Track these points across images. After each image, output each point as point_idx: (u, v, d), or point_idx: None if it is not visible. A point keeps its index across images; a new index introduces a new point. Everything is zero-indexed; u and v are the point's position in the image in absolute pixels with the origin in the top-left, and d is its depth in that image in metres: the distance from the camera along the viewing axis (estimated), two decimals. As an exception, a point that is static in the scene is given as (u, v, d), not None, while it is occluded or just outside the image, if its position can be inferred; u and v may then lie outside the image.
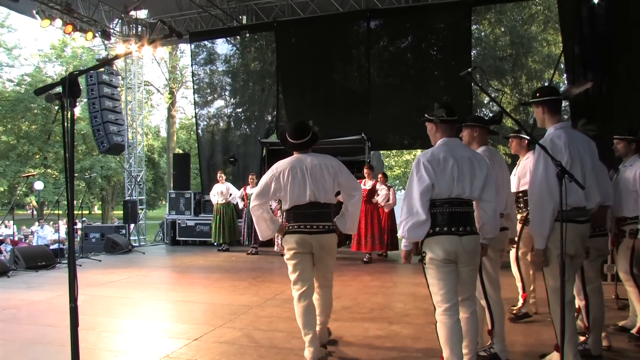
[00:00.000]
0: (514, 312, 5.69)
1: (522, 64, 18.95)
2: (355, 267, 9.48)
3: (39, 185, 16.19)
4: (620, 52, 10.83)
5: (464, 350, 3.60)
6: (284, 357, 4.51)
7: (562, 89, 3.80)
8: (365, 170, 10.53)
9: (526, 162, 5.44)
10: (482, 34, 19.09)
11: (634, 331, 4.91)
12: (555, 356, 3.77)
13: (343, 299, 6.68)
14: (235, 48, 16.17)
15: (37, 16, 12.40)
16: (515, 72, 18.90)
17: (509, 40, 19.16)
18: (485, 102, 17.62)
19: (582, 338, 4.31)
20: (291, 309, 4.99)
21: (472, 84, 12.05)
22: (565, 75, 13.03)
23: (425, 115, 3.79)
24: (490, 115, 16.54)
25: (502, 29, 19.43)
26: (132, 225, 14.74)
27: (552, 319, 3.71)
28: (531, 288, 5.82)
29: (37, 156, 31.36)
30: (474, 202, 3.69)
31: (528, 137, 5.47)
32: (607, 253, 4.52)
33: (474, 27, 15.13)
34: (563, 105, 15.87)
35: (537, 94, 3.86)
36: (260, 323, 5.34)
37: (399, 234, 3.62)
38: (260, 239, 5.14)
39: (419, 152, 29.43)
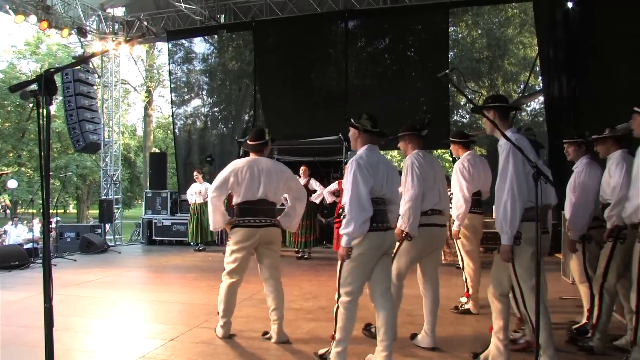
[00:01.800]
0: (459, 307, 6.02)
1: (499, 66, 19.15)
2: (331, 267, 9.48)
3: (12, 183, 15.99)
4: (592, 55, 11.03)
5: (380, 339, 3.88)
6: (261, 357, 4.52)
7: (514, 99, 3.94)
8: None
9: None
10: (460, 36, 19.23)
11: (575, 327, 5.08)
12: (493, 352, 3.93)
13: (320, 299, 6.70)
14: (212, 47, 16.13)
15: (10, 12, 12.22)
16: (491, 74, 19.10)
17: (486, 43, 19.35)
18: (462, 103, 17.77)
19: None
20: (267, 309, 5.00)
21: (450, 85, 12.17)
22: (540, 77, 13.21)
23: (352, 120, 4.07)
24: (466, 117, 16.67)
25: (479, 32, 19.61)
26: (107, 225, 14.60)
27: (528, 317, 3.82)
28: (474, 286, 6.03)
29: (11, 154, 30.85)
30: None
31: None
32: (546, 252, 4.55)
33: (451, 29, 15.23)
34: (539, 108, 16.12)
35: (489, 101, 4.00)
36: (236, 323, 5.33)
37: (346, 230, 3.72)
38: (212, 229, 5.56)
39: (395, 152, 29.73)
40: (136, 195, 37.50)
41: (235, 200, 4.89)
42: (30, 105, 2.31)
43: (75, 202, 38.74)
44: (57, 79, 2.34)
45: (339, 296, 3.89)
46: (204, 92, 16.39)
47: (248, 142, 5.03)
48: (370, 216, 3.73)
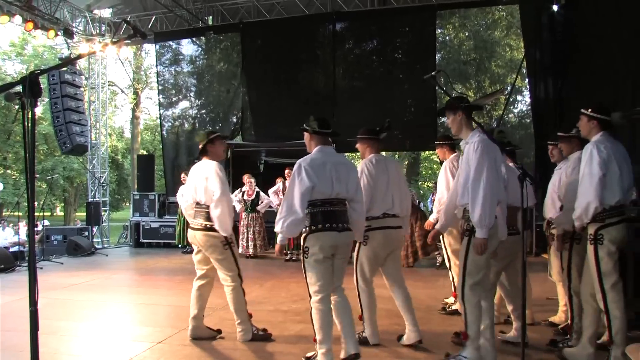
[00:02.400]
0: (446, 307, 6.10)
1: (486, 68, 19.27)
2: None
3: (-2, 186, 15.86)
4: (577, 57, 11.13)
5: (345, 332, 4.07)
6: (249, 359, 4.51)
7: (475, 99, 4.04)
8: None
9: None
10: (447, 38, 19.35)
11: (561, 326, 5.19)
12: (469, 351, 3.99)
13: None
14: (200, 49, 16.09)
15: (-5, 13, 12.12)
16: (479, 76, 19.22)
17: (473, 45, 19.47)
18: (450, 105, 17.84)
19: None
20: (256, 312, 5.01)
21: (436, 88, 12.21)
22: (527, 79, 13.30)
23: (304, 125, 4.25)
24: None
25: (466, 34, 19.73)
26: (95, 227, 14.52)
27: (464, 309, 4.00)
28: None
29: (-4, 156, 30.64)
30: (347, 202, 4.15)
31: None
32: (515, 252, 4.67)
33: (438, 31, 15.32)
34: (526, 110, 16.18)
35: (457, 103, 4.08)
36: (224, 325, 5.32)
37: (277, 229, 3.94)
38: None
39: (383, 154, 29.65)
40: (124, 198, 37.29)
41: None
42: (16, 107, 2.30)
43: (62, 204, 38.47)
44: (43, 80, 2.33)
45: (310, 298, 4.04)
46: (192, 94, 16.34)
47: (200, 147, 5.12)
48: (300, 219, 3.87)
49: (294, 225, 3.89)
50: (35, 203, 2.47)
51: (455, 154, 5.90)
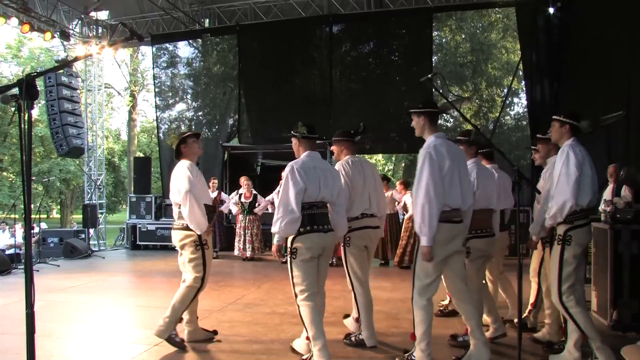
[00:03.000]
0: (441, 308, 6.10)
1: (482, 70, 19.28)
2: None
3: (-6, 188, 15.81)
4: (573, 59, 11.17)
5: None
6: (245, 361, 4.52)
7: (439, 103, 4.17)
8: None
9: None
10: (443, 40, 19.34)
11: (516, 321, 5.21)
12: (417, 351, 4.07)
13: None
14: (197, 51, 16.08)
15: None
16: (475, 78, 19.21)
17: (469, 47, 19.48)
18: (446, 107, 17.86)
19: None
20: (253, 314, 5.01)
21: (433, 90, 12.22)
22: (523, 82, 13.35)
23: (292, 132, 4.45)
24: (450, 121, 16.77)
25: (463, 36, 19.74)
26: (91, 230, 14.49)
27: (413, 312, 4.06)
28: None
29: (-7, 159, 30.54)
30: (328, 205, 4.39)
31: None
32: (489, 254, 4.84)
33: (435, 33, 15.31)
34: (522, 112, 16.23)
35: (420, 105, 4.18)
36: (221, 328, 5.32)
37: (274, 229, 4.14)
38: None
39: (380, 156, 29.78)
40: (120, 200, 37.21)
41: None
42: (12, 109, 2.30)
43: (58, 207, 38.37)
44: (40, 82, 2.33)
45: (296, 297, 4.22)
46: (189, 96, 16.32)
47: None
48: (296, 217, 4.08)
49: (291, 224, 4.08)
50: (32, 205, 2.46)
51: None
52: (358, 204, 4.80)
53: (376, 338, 4.86)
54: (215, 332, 5.16)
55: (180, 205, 4.79)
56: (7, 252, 10.99)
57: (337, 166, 4.88)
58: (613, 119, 4.51)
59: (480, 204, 4.57)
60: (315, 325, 4.10)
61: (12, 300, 6.96)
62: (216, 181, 11.77)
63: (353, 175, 4.80)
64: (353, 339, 4.92)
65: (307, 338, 4.17)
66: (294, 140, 4.46)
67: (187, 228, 4.76)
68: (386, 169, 31.38)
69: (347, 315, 5.35)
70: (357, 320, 4.92)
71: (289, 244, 4.23)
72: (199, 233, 4.74)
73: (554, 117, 4.32)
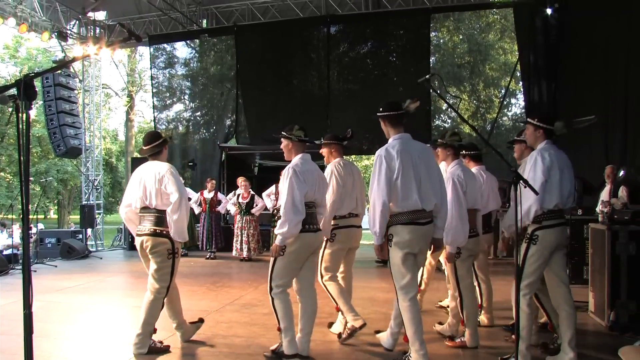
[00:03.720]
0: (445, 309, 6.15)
1: (480, 71, 19.25)
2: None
3: (-9, 189, 15.79)
4: (571, 60, 11.20)
5: (300, 327, 4.41)
6: (243, 362, 4.52)
7: (405, 104, 4.27)
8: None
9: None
10: (441, 41, 19.31)
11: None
12: (413, 355, 4.13)
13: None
14: (194, 52, 16.08)
15: (-11, 15, 12.10)
16: (473, 79, 19.19)
17: (467, 48, 19.45)
18: (444, 108, 17.88)
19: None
20: (250, 314, 5.01)
21: (431, 91, 12.25)
22: (521, 82, 13.37)
23: (283, 133, 4.50)
24: (448, 122, 16.77)
25: (461, 37, 19.71)
26: (89, 230, 14.47)
27: (402, 316, 4.13)
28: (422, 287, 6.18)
29: (-10, 159, 30.48)
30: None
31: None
32: (476, 253, 5.02)
33: (432, 34, 15.31)
34: (520, 113, 16.23)
35: (381, 109, 4.32)
36: (219, 328, 5.32)
37: (281, 230, 4.15)
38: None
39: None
40: (118, 201, 37.11)
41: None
42: (9, 109, 2.29)
43: (56, 207, 38.31)
44: (37, 83, 2.33)
45: (271, 289, 4.34)
46: (186, 97, 16.34)
47: (143, 148, 4.90)
48: (302, 218, 4.19)
49: (298, 225, 4.18)
50: (29, 206, 2.45)
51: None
52: (347, 204, 5.05)
53: (362, 317, 4.95)
54: (201, 320, 5.25)
55: (158, 210, 4.62)
56: (5, 252, 10.97)
57: (329, 167, 5.08)
58: (585, 123, 4.62)
59: (467, 204, 4.73)
60: (288, 318, 4.32)
61: (10, 300, 6.95)
62: (214, 181, 11.77)
63: (344, 176, 5.01)
64: (344, 334, 5.01)
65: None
66: (286, 142, 4.52)
67: (162, 235, 4.60)
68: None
69: (331, 324, 5.43)
70: (337, 309, 5.10)
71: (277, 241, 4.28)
72: (180, 241, 4.70)
73: (528, 120, 4.43)
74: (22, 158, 2.31)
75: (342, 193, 4.97)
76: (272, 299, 4.34)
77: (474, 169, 5.50)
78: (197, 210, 11.81)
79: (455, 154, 5.04)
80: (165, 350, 4.79)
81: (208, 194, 11.66)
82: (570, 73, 11.25)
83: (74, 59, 7.58)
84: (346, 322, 5.00)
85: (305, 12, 13.38)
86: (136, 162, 15.73)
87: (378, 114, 4.35)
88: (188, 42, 15.67)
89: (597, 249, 5.76)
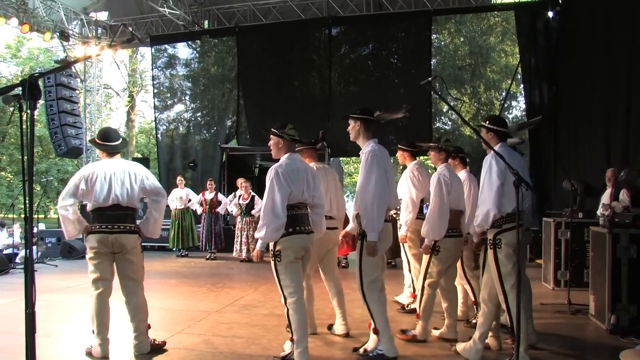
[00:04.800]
0: (406, 305, 6.44)
1: (481, 73, 19.26)
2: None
3: (-8, 188, 15.77)
4: (572, 63, 11.20)
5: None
6: (243, 363, 4.52)
7: (376, 113, 4.56)
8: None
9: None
10: (442, 43, 19.32)
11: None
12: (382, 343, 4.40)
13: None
14: (195, 52, 16.09)
15: (-9, 15, 12.13)
16: (474, 81, 19.20)
17: (468, 50, 19.45)
18: (445, 110, 17.89)
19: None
20: (251, 315, 5.01)
21: (432, 93, 12.27)
22: (522, 85, 13.38)
23: (274, 130, 4.43)
24: (448, 124, 16.80)
25: (462, 39, 19.72)
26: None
27: (368, 307, 4.40)
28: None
29: (-10, 158, 30.48)
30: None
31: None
32: (458, 253, 5.12)
33: (434, 36, 15.32)
34: (521, 115, 16.22)
35: (358, 112, 4.51)
36: (219, 329, 5.32)
37: (259, 234, 4.14)
38: (67, 238, 5.18)
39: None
40: (118, 201, 37.14)
41: (88, 208, 4.68)
42: (11, 109, 2.30)
43: (56, 207, 38.28)
44: (39, 83, 2.33)
45: (285, 299, 4.26)
46: (187, 98, 16.35)
47: (99, 142, 4.80)
48: (283, 223, 4.10)
49: (277, 229, 4.10)
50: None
51: (415, 161, 5.99)
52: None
53: (316, 326, 5.28)
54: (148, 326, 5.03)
55: (132, 208, 4.71)
56: (5, 252, 10.97)
57: None
58: (532, 125, 4.75)
59: (451, 204, 4.88)
60: (302, 330, 4.21)
61: (10, 300, 6.95)
62: (213, 182, 11.78)
63: (327, 177, 5.17)
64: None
65: (291, 339, 4.28)
66: (276, 140, 4.43)
67: (136, 232, 4.72)
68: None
69: (330, 326, 5.46)
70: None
71: (271, 247, 4.24)
72: (155, 238, 4.93)
73: (481, 123, 4.52)
74: (25, 157, 2.31)
75: None
76: (287, 309, 4.25)
77: (462, 172, 5.72)
78: (199, 211, 11.84)
79: (446, 159, 5.27)
80: (162, 347, 4.84)
81: (209, 195, 11.67)
82: (572, 76, 11.25)
83: (77, 60, 7.59)
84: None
85: (307, 14, 13.40)
86: (137, 162, 15.81)
87: (354, 115, 4.50)
88: (189, 42, 15.69)
89: (598, 252, 5.75)
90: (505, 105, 17.10)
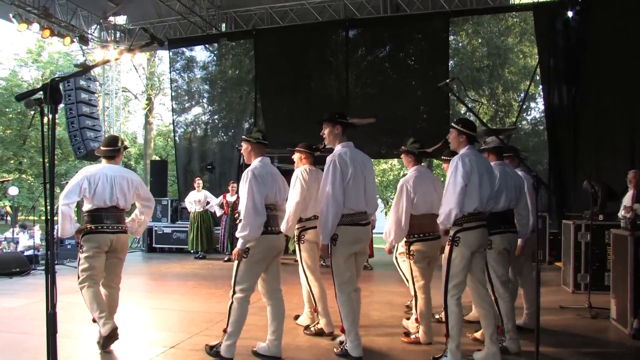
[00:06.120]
0: (407, 304, 6.52)
1: (499, 74, 19.20)
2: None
3: (13, 190, 15.94)
4: (591, 63, 11.07)
5: (272, 330, 4.58)
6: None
7: (349, 119, 4.83)
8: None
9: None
10: (460, 44, 19.29)
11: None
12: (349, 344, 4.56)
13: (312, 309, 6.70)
14: (213, 55, 16.17)
15: (13, 20, 12.28)
16: (492, 82, 19.14)
17: (486, 52, 19.40)
18: (463, 112, 17.82)
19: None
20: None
21: (450, 94, 12.21)
22: (541, 86, 13.27)
23: (243, 136, 4.68)
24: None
25: (480, 40, 19.67)
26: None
27: (340, 309, 4.53)
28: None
29: (12, 161, 30.81)
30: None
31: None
32: (433, 255, 5.15)
33: (451, 37, 15.30)
34: (539, 117, 16.11)
35: (336, 116, 4.71)
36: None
37: (242, 234, 4.24)
38: (60, 236, 5.45)
39: (395, 161, 29.68)
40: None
41: (85, 208, 4.99)
42: (32, 112, 2.33)
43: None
44: (60, 87, 2.36)
45: (234, 293, 4.40)
46: (205, 100, 16.42)
47: (101, 148, 5.17)
48: (264, 221, 4.27)
49: (260, 227, 4.26)
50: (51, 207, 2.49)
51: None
52: (312, 207, 5.28)
53: (333, 325, 5.34)
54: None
55: (122, 209, 5.03)
56: (26, 253, 11.09)
57: (296, 172, 5.43)
58: (507, 133, 4.78)
59: (420, 209, 5.03)
60: (237, 325, 4.40)
61: (32, 300, 7.05)
62: (235, 185, 11.83)
63: (309, 181, 5.30)
64: (312, 329, 5.50)
65: (224, 330, 4.44)
66: (246, 145, 4.65)
67: (125, 231, 5.12)
68: (401, 173, 31.29)
69: (297, 316, 5.93)
70: (315, 310, 5.49)
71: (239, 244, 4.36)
72: (137, 237, 5.16)
73: (453, 125, 4.54)
74: (46, 160, 2.34)
75: (307, 197, 5.26)
76: (232, 302, 4.39)
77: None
78: (218, 213, 11.91)
79: (415, 161, 5.34)
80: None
81: (231, 197, 11.72)
82: (592, 76, 11.12)
83: (96, 64, 7.69)
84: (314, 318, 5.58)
85: (324, 16, 13.41)
86: (155, 165, 15.94)
87: (328, 119, 4.73)
88: (207, 45, 15.77)
89: (619, 255, 5.68)
90: (524, 107, 16.98)
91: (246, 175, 4.37)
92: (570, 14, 11.47)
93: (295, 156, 5.75)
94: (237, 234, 4.28)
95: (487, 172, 4.35)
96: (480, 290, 4.41)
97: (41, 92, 2.30)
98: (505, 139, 5.03)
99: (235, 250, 4.35)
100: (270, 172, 4.50)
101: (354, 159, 4.50)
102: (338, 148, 4.60)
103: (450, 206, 4.21)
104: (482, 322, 4.42)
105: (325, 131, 4.73)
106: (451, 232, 4.32)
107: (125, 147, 5.24)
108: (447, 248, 4.33)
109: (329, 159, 4.49)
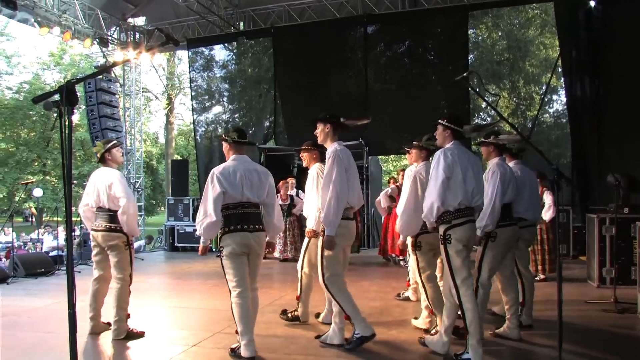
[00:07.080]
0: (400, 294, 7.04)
1: (520, 67, 18.95)
2: (354, 272, 9.44)
3: (37, 192, 16.15)
4: (615, 55, 10.88)
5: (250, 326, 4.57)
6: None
7: (342, 119, 4.95)
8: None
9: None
10: (479, 38, 19.11)
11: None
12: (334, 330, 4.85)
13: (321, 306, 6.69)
14: (232, 54, 16.21)
15: (35, 24, 12.45)
16: (512, 76, 18.91)
17: (506, 45, 19.17)
18: (483, 106, 17.66)
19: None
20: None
21: (469, 89, 12.09)
22: (562, 78, 13.09)
23: (222, 136, 4.78)
24: (487, 120, 16.59)
25: (499, 33, 19.45)
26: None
27: (333, 297, 4.72)
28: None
29: (36, 163, 31.28)
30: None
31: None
32: (438, 247, 4.92)
33: (471, 31, 15.16)
34: (562, 109, 15.91)
35: (327, 116, 4.88)
36: (258, 329, 5.32)
37: (197, 233, 4.48)
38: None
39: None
40: (158, 202, 37.67)
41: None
42: (54, 115, 2.35)
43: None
44: (80, 88, 2.38)
45: (230, 293, 4.51)
46: (225, 99, 16.48)
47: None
48: (214, 221, 4.34)
49: (209, 227, 4.37)
50: (73, 208, 2.51)
51: (423, 162, 5.44)
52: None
53: (309, 316, 5.81)
54: (109, 324, 5.33)
55: (109, 209, 5.17)
56: (51, 253, 11.25)
57: (313, 170, 5.53)
58: (491, 127, 5.14)
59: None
60: (244, 322, 4.41)
61: (57, 300, 7.14)
62: (293, 181, 11.85)
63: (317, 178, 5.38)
64: (289, 314, 5.85)
65: (236, 332, 4.49)
66: (224, 144, 4.73)
67: (116, 230, 5.16)
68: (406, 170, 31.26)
69: (318, 314, 5.95)
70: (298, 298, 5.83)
71: (218, 243, 4.57)
72: (135, 236, 5.30)
73: (439, 121, 4.58)
74: (65, 162, 2.35)
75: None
76: (231, 302, 4.47)
77: (511, 163, 5.58)
78: None
79: (427, 157, 5.39)
80: (141, 335, 5.21)
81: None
82: (615, 68, 10.92)
83: (114, 64, 7.79)
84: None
85: (342, 13, 13.36)
86: (176, 165, 16.05)
87: (323, 118, 4.89)
88: (225, 44, 15.81)
89: (645, 248, 5.59)
90: (546, 100, 16.76)
91: (209, 175, 4.51)
92: (592, 3, 11.28)
93: (306, 155, 5.82)
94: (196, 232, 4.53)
95: (472, 166, 4.36)
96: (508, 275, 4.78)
97: (57, 94, 2.31)
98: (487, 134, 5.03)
99: (200, 247, 4.73)
100: (239, 170, 4.52)
101: (348, 157, 4.72)
102: (335, 145, 4.77)
103: (432, 199, 4.27)
104: (445, 312, 4.52)
105: (318, 129, 4.90)
106: (441, 231, 4.35)
107: (109, 147, 5.49)
108: (441, 248, 4.35)
109: (329, 154, 4.66)
